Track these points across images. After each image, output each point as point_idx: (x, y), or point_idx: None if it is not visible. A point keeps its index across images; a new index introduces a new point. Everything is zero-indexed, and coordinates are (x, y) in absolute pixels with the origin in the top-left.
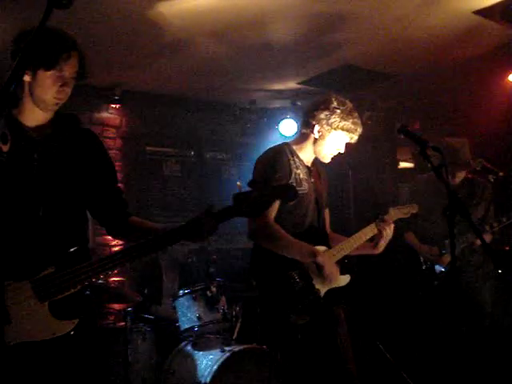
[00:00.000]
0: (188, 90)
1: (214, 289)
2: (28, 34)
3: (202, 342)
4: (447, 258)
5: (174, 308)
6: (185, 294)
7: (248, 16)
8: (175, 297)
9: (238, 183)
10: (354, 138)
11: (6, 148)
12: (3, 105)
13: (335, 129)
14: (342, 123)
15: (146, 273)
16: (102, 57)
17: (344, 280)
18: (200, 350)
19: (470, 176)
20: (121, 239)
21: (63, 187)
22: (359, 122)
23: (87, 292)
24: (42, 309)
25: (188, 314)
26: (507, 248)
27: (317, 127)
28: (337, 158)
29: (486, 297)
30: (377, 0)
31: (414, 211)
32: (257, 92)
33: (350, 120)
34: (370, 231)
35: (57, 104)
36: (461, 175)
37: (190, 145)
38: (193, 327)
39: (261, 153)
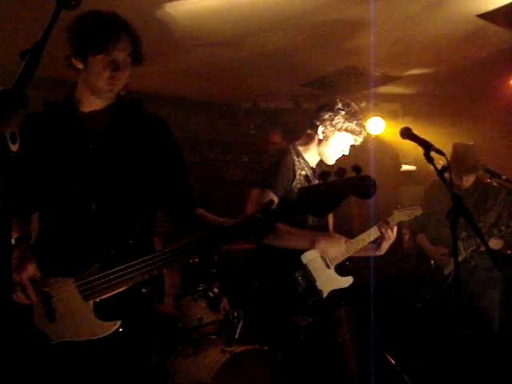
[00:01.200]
0: (191, 91)
1: (215, 289)
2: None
3: (203, 342)
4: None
5: (176, 308)
6: (186, 295)
7: (252, 19)
8: (177, 297)
9: None
10: (358, 140)
11: (15, 148)
12: (12, 105)
13: (339, 130)
14: (346, 124)
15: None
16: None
17: (346, 281)
18: (201, 351)
19: (486, 181)
20: (186, 233)
21: (118, 180)
22: (364, 124)
23: (143, 290)
24: (85, 308)
25: (189, 314)
26: (510, 252)
27: (321, 128)
28: (340, 161)
29: (495, 300)
30: (380, 3)
31: (418, 213)
32: (260, 93)
33: (355, 122)
34: (372, 233)
35: (110, 91)
36: (468, 179)
37: (193, 146)
38: (194, 328)
39: (264, 154)
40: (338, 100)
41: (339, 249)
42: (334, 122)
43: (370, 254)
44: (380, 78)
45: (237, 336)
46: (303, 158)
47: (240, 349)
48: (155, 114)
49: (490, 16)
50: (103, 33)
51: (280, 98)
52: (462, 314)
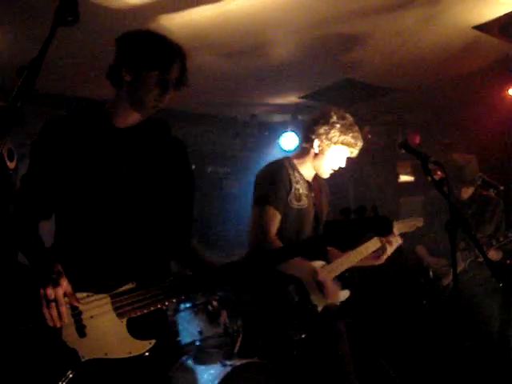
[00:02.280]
0: (189, 104)
1: (215, 303)
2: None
3: (203, 356)
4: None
5: (175, 322)
6: (186, 309)
7: (250, 32)
8: (176, 311)
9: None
10: (354, 152)
11: (12, 165)
12: (10, 122)
13: (335, 143)
14: (342, 137)
15: None
16: (105, 71)
17: (343, 295)
18: (201, 365)
19: (483, 192)
20: (180, 261)
21: (149, 198)
22: (360, 136)
23: (169, 312)
24: (119, 325)
25: (189, 328)
26: (509, 262)
27: (316, 142)
28: (337, 172)
29: (494, 311)
30: (377, 16)
31: (420, 225)
32: (258, 106)
33: (350, 134)
34: (372, 245)
35: (154, 107)
36: (467, 191)
37: (191, 158)
38: (194, 341)
39: (261, 167)
40: (332, 113)
41: (333, 296)
42: (329, 136)
43: (369, 263)
44: (377, 90)
45: (236, 349)
46: (298, 172)
47: (240, 362)
48: (178, 137)
49: (486, 27)
50: (164, 51)
51: (278, 110)
52: (462, 325)
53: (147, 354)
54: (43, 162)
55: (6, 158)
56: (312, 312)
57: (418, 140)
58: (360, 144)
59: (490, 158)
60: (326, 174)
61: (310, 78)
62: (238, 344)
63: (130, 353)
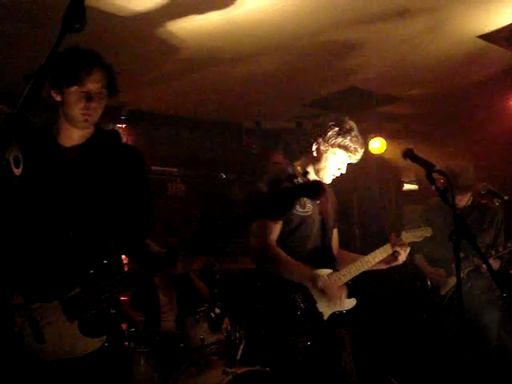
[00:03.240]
0: (194, 110)
1: (217, 310)
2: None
3: (205, 363)
4: (453, 281)
5: (177, 329)
6: (188, 315)
7: (254, 39)
8: (178, 318)
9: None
10: (353, 157)
11: (18, 172)
12: (16, 129)
13: (332, 146)
14: (339, 140)
15: (140, 293)
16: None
17: (349, 304)
18: (203, 372)
19: (482, 201)
20: (135, 261)
21: (94, 208)
22: (360, 141)
23: (112, 311)
24: (72, 328)
25: (191, 335)
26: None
27: (315, 145)
28: (341, 180)
29: (493, 321)
30: (382, 25)
31: (428, 234)
32: (262, 113)
33: (348, 137)
34: (380, 254)
35: (86, 120)
36: (462, 198)
37: (195, 165)
38: (196, 348)
39: (270, 173)
40: (332, 117)
41: (336, 303)
42: (326, 138)
43: (377, 267)
44: (382, 99)
45: (238, 357)
46: (302, 178)
47: (242, 370)
48: (131, 145)
49: (491, 37)
50: (76, 66)
51: (282, 118)
52: (465, 335)
53: (106, 344)
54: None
55: (13, 165)
56: (318, 320)
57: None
58: (360, 150)
59: (495, 167)
60: (326, 179)
61: (315, 86)
62: (239, 351)
63: (85, 351)
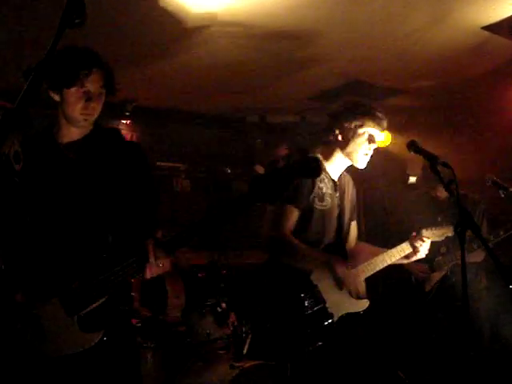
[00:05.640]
0: (198, 105)
1: (223, 304)
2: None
3: (211, 357)
4: (436, 276)
5: (184, 323)
6: (194, 310)
7: (258, 33)
8: (184, 312)
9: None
10: (380, 124)
11: (19, 167)
12: (15, 125)
13: (358, 120)
14: (362, 113)
15: (148, 287)
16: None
17: (362, 305)
18: (210, 366)
19: (462, 192)
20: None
21: (92, 202)
22: (381, 111)
23: (123, 307)
24: (70, 323)
25: (197, 329)
26: None
27: (339, 130)
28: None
29: (481, 315)
30: (386, 17)
31: (450, 234)
32: (267, 107)
33: (369, 107)
34: (397, 253)
35: (86, 120)
36: (443, 191)
37: (201, 160)
38: (202, 343)
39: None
40: (345, 100)
41: (353, 288)
42: (349, 118)
43: (398, 262)
44: (386, 91)
45: (245, 351)
46: (324, 170)
47: (248, 364)
48: (133, 141)
49: (495, 28)
50: (75, 66)
51: (287, 111)
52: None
53: (105, 338)
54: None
55: (13, 161)
56: (327, 321)
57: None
58: (383, 117)
59: (500, 160)
60: (361, 161)
61: (319, 79)
62: (246, 346)
63: (83, 347)
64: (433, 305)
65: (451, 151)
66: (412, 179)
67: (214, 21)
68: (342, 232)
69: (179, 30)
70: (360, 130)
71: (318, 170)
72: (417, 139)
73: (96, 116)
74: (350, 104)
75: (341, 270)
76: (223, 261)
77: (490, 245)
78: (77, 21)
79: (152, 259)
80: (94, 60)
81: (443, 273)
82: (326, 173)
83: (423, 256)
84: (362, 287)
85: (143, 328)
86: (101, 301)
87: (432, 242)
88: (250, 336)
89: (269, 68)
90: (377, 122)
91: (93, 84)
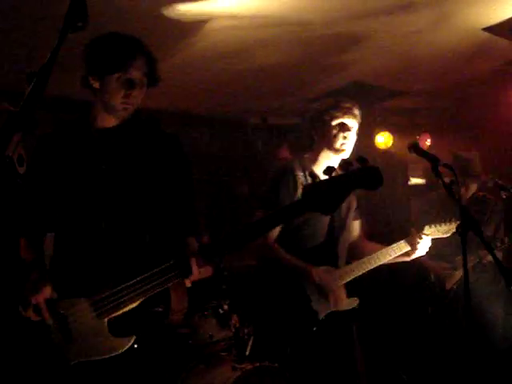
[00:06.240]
0: (200, 107)
1: (225, 306)
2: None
3: (214, 359)
4: (457, 275)
5: (186, 326)
6: (196, 312)
7: (259, 33)
8: (187, 314)
9: None
10: (350, 112)
11: (22, 170)
12: (19, 128)
13: (326, 115)
14: (328, 107)
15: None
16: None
17: (350, 303)
18: (212, 368)
19: (480, 193)
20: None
21: (129, 196)
22: (348, 101)
23: (158, 309)
24: (100, 326)
25: (200, 331)
26: None
27: (315, 131)
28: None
29: (498, 315)
30: (386, 17)
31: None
32: (268, 109)
33: (334, 100)
34: (393, 251)
35: (125, 109)
36: (473, 188)
37: (202, 162)
38: (205, 345)
39: (272, 169)
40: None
41: (337, 295)
42: (319, 116)
43: (399, 260)
44: (388, 93)
45: (247, 353)
46: (312, 172)
47: (251, 366)
48: (171, 132)
49: (496, 29)
50: (119, 51)
51: (288, 113)
52: (470, 328)
53: (136, 346)
54: (38, 178)
55: (17, 164)
56: (311, 319)
57: (428, 142)
58: (353, 104)
59: (501, 160)
60: (339, 151)
61: (320, 81)
62: (248, 347)
63: (112, 352)
64: (453, 303)
65: (452, 152)
66: (413, 180)
67: (213, 20)
68: (333, 233)
69: (178, 30)
70: (332, 123)
71: (379, 180)
72: (417, 140)
73: (136, 106)
74: (316, 106)
75: (317, 278)
76: (225, 263)
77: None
78: (79, 24)
79: (196, 272)
80: (138, 46)
81: (463, 271)
82: (314, 174)
83: (423, 253)
84: (343, 292)
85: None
86: (135, 304)
87: (451, 242)
88: (252, 338)
89: (270, 69)
90: (344, 110)
91: (137, 71)
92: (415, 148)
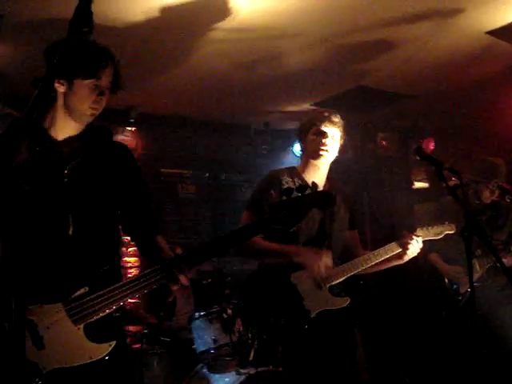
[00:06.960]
0: (203, 112)
1: (229, 311)
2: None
3: (217, 364)
4: (474, 278)
5: (190, 330)
6: (200, 317)
7: (264, 42)
8: (191, 319)
9: None
10: (330, 120)
11: (28, 176)
12: (26, 133)
13: (308, 125)
14: (310, 118)
15: (157, 293)
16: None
17: (341, 302)
18: (216, 373)
19: (497, 198)
20: (146, 259)
21: (93, 204)
22: (327, 110)
23: (117, 314)
24: (76, 332)
25: (204, 336)
26: None
27: (301, 142)
28: (352, 179)
29: (510, 318)
30: (390, 23)
31: (451, 231)
32: (271, 114)
33: (315, 112)
34: (385, 252)
35: (92, 115)
36: (497, 193)
37: (205, 167)
38: (209, 349)
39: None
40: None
41: (319, 261)
42: (303, 129)
43: (392, 264)
44: (391, 97)
45: (251, 357)
46: (302, 180)
47: (255, 370)
48: (120, 142)
49: (499, 33)
50: (96, 58)
51: (291, 118)
52: (478, 332)
53: (107, 358)
54: None
55: (23, 169)
56: (303, 317)
57: (432, 146)
58: (332, 113)
59: (506, 164)
60: (318, 157)
61: (324, 85)
62: (252, 352)
63: (91, 358)
64: (467, 307)
65: (455, 156)
66: (417, 184)
67: (218, 27)
68: (324, 241)
69: (182, 36)
70: (311, 131)
71: (332, 202)
72: (421, 145)
73: (100, 111)
74: (299, 123)
75: (297, 253)
76: (227, 267)
77: None
78: (84, 29)
79: (184, 281)
80: (110, 54)
81: (478, 275)
82: (304, 181)
83: (414, 254)
84: (328, 260)
85: (150, 334)
86: (112, 309)
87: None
88: (256, 342)
89: (272, 76)
90: (321, 119)
91: (107, 78)
92: (420, 152)
